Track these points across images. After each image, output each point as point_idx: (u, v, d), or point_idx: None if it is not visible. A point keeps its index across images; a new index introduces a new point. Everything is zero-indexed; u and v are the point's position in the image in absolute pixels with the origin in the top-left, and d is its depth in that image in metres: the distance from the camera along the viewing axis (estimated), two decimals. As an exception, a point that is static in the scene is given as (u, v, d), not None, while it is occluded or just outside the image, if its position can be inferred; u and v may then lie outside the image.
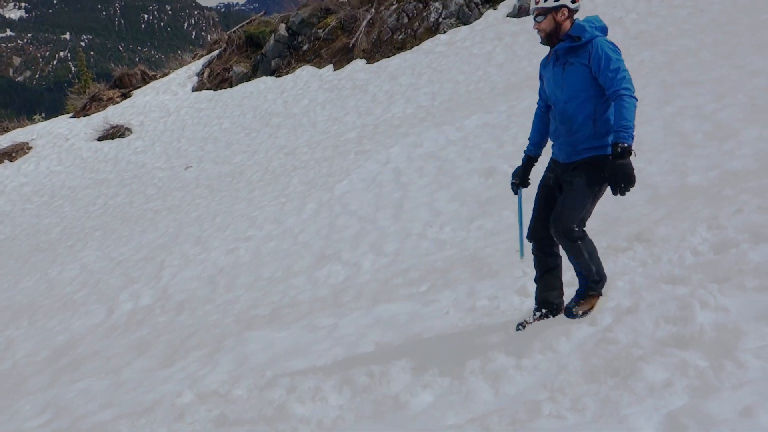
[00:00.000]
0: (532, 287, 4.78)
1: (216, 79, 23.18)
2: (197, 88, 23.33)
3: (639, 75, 9.58)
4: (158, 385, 5.29)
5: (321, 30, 21.61)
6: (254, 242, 9.32)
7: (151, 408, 4.71)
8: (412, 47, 18.98)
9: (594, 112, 3.87)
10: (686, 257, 4.81)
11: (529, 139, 4.42)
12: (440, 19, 19.25)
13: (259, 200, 11.39)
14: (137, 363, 6.15)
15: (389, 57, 19.06)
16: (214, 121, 20.19)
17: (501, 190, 8.44)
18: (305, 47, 21.80)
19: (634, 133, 3.71)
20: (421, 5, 19.98)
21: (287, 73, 21.32)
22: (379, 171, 10.52)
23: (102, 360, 6.67)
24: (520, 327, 4.27)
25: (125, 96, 25.08)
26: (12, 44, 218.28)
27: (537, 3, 3.93)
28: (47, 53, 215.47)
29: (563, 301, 4.29)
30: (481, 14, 18.89)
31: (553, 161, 4.17)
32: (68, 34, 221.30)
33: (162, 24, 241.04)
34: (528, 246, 4.32)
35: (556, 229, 3.90)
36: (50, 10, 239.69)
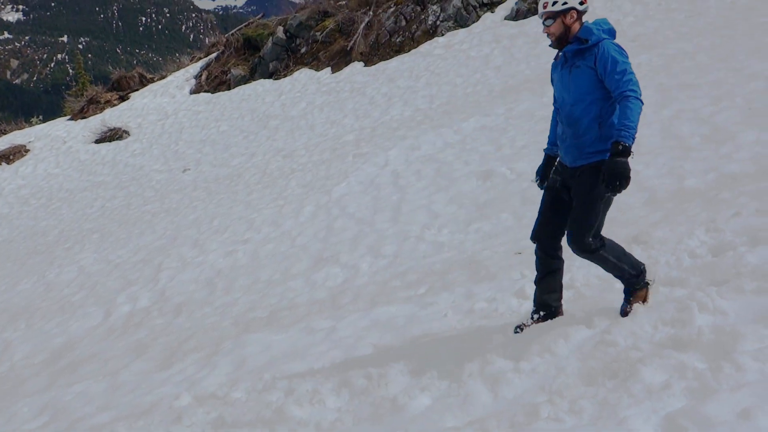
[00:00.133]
0: (530, 290, 4.79)
1: (214, 82, 23.18)
2: (195, 91, 23.31)
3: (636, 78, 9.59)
4: (156, 387, 5.28)
5: (319, 33, 21.62)
6: (252, 245, 9.31)
7: (148, 410, 4.70)
8: (410, 50, 18.99)
9: (600, 115, 3.84)
10: (684, 260, 4.82)
11: (548, 137, 4.39)
12: (438, 22, 19.28)
13: (257, 203, 11.39)
14: (135, 365, 6.14)
15: (387, 60, 19.07)
16: (212, 123, 20.17)
17: (499, 193, 8.45)
18: (303, 50, 21.81)
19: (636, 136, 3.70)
20: (419, 8, 20.01)
21: (285, 75, 21.31)
22: (377, 173, 10.53)
23: (99, 362, 6.66)
24: (518, 329, 4.26)
25: (123, 99, 25.05)
26: (9, 47, 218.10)
27: (545, 7, 3.90)
28: (45, 56, 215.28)
29: (561, 305, 4.29)
30: (478, 17, 18.91)
31: (559, 164, 4.16)
32: (66, 36, 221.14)
33: (160, 27, 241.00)
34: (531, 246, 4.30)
35: (575, 249, 3.89)
36: (48, 13, 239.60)
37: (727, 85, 9.16)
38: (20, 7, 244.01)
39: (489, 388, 3.64)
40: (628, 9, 15.86)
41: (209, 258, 9.28)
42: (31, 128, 25.92)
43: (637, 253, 5.09)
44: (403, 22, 19.99)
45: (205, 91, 22.92)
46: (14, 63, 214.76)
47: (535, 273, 4.30)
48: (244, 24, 26.04)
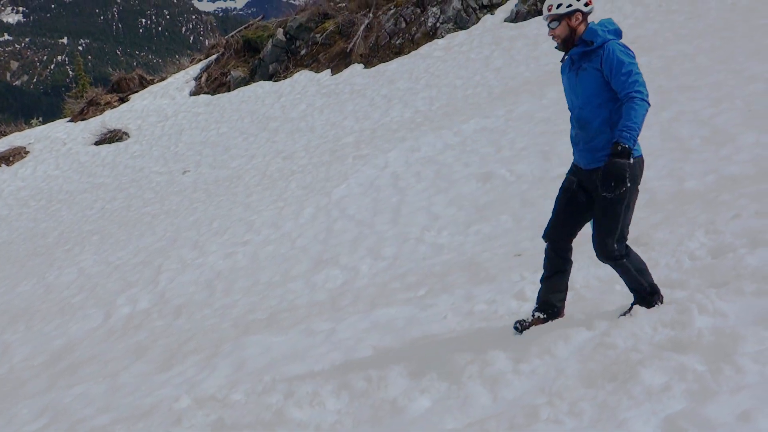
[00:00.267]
0: (530, 291, 4.79)
1: (214, 84, 23.18)
2: (195, 93, 23.31)
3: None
4: (156, 389, 5.28)
5: (319, 35, 21.63)
6: (252, 246, 9.31)
7: (148, 412, 4.70)
8: (409, 52, 19.00)
9: (610, 117, 3.79)
10: (684, 262, 4.83)
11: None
12: (438, 24, 19.29)
13: (257, 205, 11.39)
14: (135, 367, 6.14)
15: (387, 62, 19.08)
16: (212, 125, 20.17)
17: (498, 195, 8.46)
18: (303, 52, 21.82)
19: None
20: (418, 10, 20.02)
21: (285, 77, 21.32)
22: (376, 175, 10.53)
23: (99, 364, 6.65)
24: (518, 326, 4.26)
25: (123, 100, 25.05)
26: (9, 48, 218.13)
27: (550, 10, 3.86)
28: (45, 57, 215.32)
29: (564, 306, 4.29)
30: (478, 19, 18.92)
31: (575, 165, 4.11)
32: (66, 38, 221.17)
33: (160, 28, 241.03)
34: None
35: (599, 254, 3.89)
36: (48, 15, 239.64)
37: (727, 87, 9.17)
38: (20, 8, 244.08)
39: (489, 389, 3.64)
40: (628, 11, 15.87)
41: (209, 260, 9.28)
42: (31, 130, 25.90)
43: (637, 254, 5.09)
44: (403, 24, 20.01)
45: (205, 93, 22.93)
46: (14, 64, 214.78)
47: (542, 271, 4.27)
48: (243, 26, 26.05)
